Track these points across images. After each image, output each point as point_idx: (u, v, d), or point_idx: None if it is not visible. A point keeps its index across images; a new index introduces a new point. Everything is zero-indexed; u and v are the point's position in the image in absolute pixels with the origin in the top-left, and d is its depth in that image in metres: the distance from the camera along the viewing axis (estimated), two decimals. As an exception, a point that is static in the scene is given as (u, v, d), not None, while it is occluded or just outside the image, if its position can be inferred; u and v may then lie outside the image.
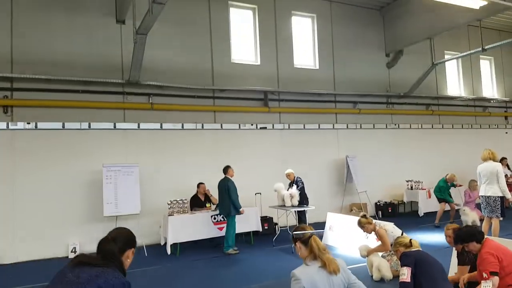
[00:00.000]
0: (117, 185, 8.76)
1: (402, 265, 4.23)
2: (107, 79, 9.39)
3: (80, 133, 9.29)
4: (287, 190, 9.16)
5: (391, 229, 6.54)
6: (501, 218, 7.65)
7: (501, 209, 7.47)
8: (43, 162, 8.91)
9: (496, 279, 4.01)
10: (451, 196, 10.76)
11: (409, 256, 4.29)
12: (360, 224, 6.66)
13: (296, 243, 3.43)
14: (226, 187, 8.45)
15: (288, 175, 9.54)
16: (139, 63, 8.76)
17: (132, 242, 2.76)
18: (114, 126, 9.60)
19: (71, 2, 9.37)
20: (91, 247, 8.98)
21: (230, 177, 8.63)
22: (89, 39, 9.49)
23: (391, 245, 6.35)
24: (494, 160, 7.59)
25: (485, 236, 4.46)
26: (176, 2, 10.06)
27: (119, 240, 2.69)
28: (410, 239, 4.60)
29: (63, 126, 9.14)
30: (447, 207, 10.64)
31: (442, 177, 10.87)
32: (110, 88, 9.57)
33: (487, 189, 7.58)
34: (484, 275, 4.05)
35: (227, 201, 8.43)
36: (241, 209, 8.49)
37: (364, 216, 6.75)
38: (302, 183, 9.25)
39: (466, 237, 4.40)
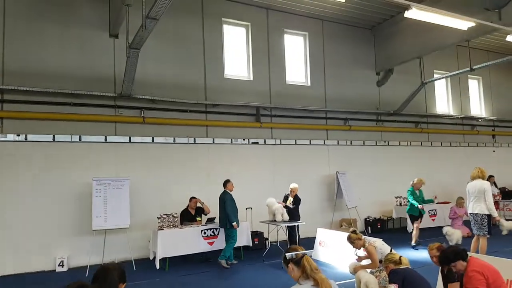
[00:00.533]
0: (107, 198, 8.71)
1: (390, 282, 4.31)
2: (99, 92, 9.41)
3: (70, 146, 9.26)
4: (284, 201, 9.20)
5: (380, 245, 6.57)
6: (488, 236, 7.72)
7: (488, 227, 7.54)
8: (33, 174, 8.85)
9: None
10: (422, 207, 9.62)
11: (397, 273, 4.37)
12: (350, 239, 6.68)
13: (289, 265, 3.41)
14: (224, 200, 8.60)
15: (291, 190, 9.47)
16: (131, 77, 8.81)
17: (125, 277, 2.88)
18: (105, 139, 9.59)
19: (64, 14, 9.44)
20: (79, 261, 8.95)
21: (229, 191, 8.77)
22: (82, 52, 9.54)
23: (380, 261, 6.40)
24: (483, 178, 7.68)
25: (469, 254, 4.48)
26: (170, 17, 10.18)
27: (116, 273, 2.82)
28: (400, 256, 4.67)
29: (54, 139, 9.11)
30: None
31: (409, 188, 9.91)
32: (101, 101, 9.59)
33: (474, 207, 7.66)
34: None
35: (224, 214, 8.58)
36: (233, 223, 8.51)
37: (354, 231, 6.78)
38: (299, 202, 9.30)
39: (453, 257, 4.38)
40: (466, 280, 4.20)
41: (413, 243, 9.68)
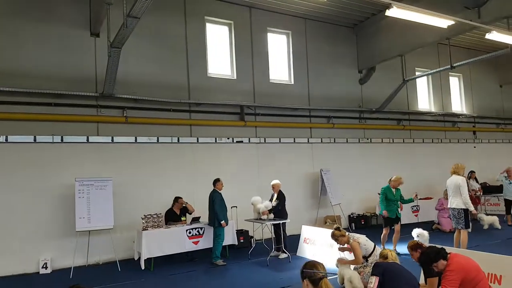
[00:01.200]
0: (90, 199, 8.65)
1: (372, 274, 4.43)
2: (80, 92, 9.29)
3: (52, 147, 9.12)
4: (270, 201, 9.22)
5: (364, 241, 6.65)
6: (469, 230, 7.91)
7: (465, 221, 7.76)
8: (14, 176, 8.70)
9: None
10: (400, 208, 9.05)
11: (378, 267, 4.47)
12: (334, 236, 6.75)
13: (304, 281, 3.33)
14: (212, 199, 8.67)
15: (272, 186, 9.49)
16: (113, 76, 8.73)
17: None
18: (87, 140, 9.48)
19: (44, 13, 9.27)
20: (63, 263, 8.85)
21: (218, 190, 8.81)
22: (62, 51, 9.39)
23: (364, 257, 6.49)
24: (458, 173, 7.89)
25: (450, 251, 4.52)
26: (152, 16, 10.10)
27: None
28: (388, 252, 4.99)
29: (35, 140, 8.97)
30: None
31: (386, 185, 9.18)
32: (83, 101, 9.47)
33: (452, 202, 7.96)
34: None
35: (213, 212, 8.63)
36: (222, 222, 8.59)
37: (337, 228, 6.85)
38: (284, 198, 9.29)
39: (434, 257, 4.40)
40: (443, 276, 4.28)
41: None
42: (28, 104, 8.91)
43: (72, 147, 9.32)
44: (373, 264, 4.65)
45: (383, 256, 4.91)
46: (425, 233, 8.49)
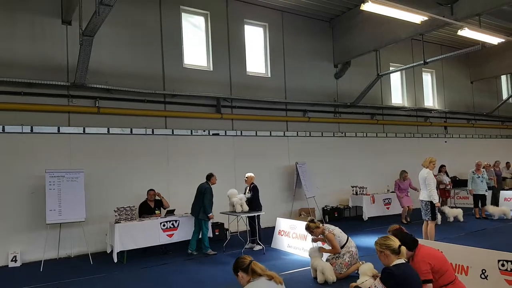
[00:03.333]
0: (61, 191, 8.46)
1: (381, 280, 3.96)
2: (51, 81, 9.02)
3: (21, 137, 8.86)
4: (244, 194, 9.22)
5: (338, 233, 6.76)
6: (438, 221, 8.14)
7: (431, 213, 7.99)
8: (-20, 167, 8.42)
9: (429, 286, 4.19)
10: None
11: (393, 277, 3.87)
12: (309, 228, 6.82)
13: (238, 274, 3.72)
14: (203, 190, 8.76)
15: (245, 179, 9.53)
16: (85, 65, 8.50)
17: None
18: (58, 130, 9.24)
19: (13, 0, 8.95)
20: (33, 256, 8.67)
21: (211, 184, 8.92)
22: (33, 39, 9.10)
23: (342, 247, 6.59)
24: (425, 166, 8.11)
25: (419, 243, 4.56)
26: (126, 4, 9.90)
27: None
28: (400, 245, 4.04)
29: (3, 130, 8.68)
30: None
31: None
32: (54, 90, 9.21)
33: (421, 194, 8.21)
34: None
35: (200, 204, 8.73)
36: (210, 214, 8.70)
37: (312, 220, 6.93)
38: (257, 191, 9.31)
39: (406, 244, 4.44)
40: (415, 269, 4.34)
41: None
42: (-5, 92, 8.61)
43: (42, 137, 9.06)
44: (384, 270, 3.98)
45: (393, 250, 3.99)
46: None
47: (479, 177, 11.95)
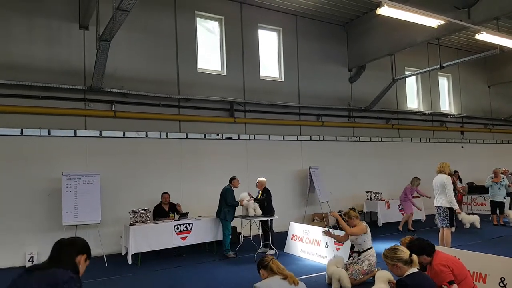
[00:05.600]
0: (77, 193, 8.57)
1: None
2: (68, 85, 9.18)
3: (39, 140, 9.02)
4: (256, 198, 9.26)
5: (368, 235, 6.67)
6: (453, 229, 7.99)
7: (450, 220, 7.82)
8: (1, 169, 8.58)
9: (455, 286, 4.16)
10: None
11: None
12: (348, 214, 6.82)
13: (260, 271, 4.07)
14: (224, 192, 9.02)
15: (257, 183, 9.55)
16: (102, 70, 8.64)
17: (83, 248, 2.76)
18: (75, 134, 9.39)
19: (31, 4, 9.13)
20: (48, 257, 8.66)
21: (232, 187, 9.08)
22: (51, 44, 9.28)
23: (358, 252, 6.54)
24: (443, 172, 7.94)
25: (436, 248, 4.53)
26: (142, 10, 10.03)
27: (70, 246, 2.71)
28: (411, 255, 3.97)
29: (22, 133, 8.85)
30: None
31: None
32: (71, 94, 9.37)
33: (437, 200, 7.99)
34: (444, 287, 4.19)
35: (222, 206, 8.98)
36: (240, 200, 8.97)
37: (353, 209, 7.31)
38: (269, 195, 9.33)
39: (418, 251, 4.35)
40: (434, 275, 4.28)
41: None
42: (15, 96, 8.79)
43: (59, 140, 9.22)
44: (398, 282, 3.92)
45: (405, 261, 3.91)
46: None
47: (496, 184, 11.74)
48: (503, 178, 11.90)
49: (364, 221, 7.01)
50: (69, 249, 2.65)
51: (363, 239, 6.57)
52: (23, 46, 9.00)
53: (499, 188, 11.72)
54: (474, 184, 14.83)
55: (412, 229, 11.36)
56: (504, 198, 11.79)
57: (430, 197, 10.62)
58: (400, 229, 11.34)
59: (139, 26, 10.23)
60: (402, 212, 11.91)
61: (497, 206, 11.74)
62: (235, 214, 9.32)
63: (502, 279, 4.97)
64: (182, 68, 10.87)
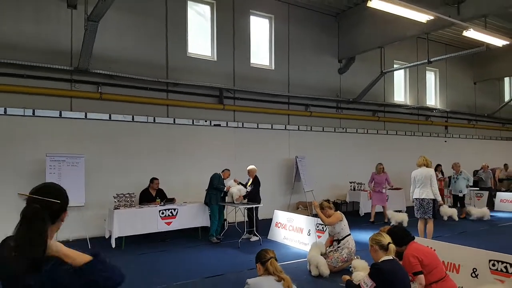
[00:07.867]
0: (61, 175, 8.47)
1: (370, 276, 3.99)
2: (54, 65, 9.02)
3: (23, 120, 8.88)
4: (245, 185, 9.32)
5: (345, 223, 6.91)
6: (432, 219, 8.22)
7: (432, 211, 8.07)
8: (-19, 148, 8.46)
9: (420, 277, 4.30)
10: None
11: (379, 273, 3.94)
12: (322, 206, 6.98)
13: (257, 264, 3.98)
14: (212, 177, 9.13)
15: (248, 171, 9.58)
16: (89, 51, 8.51)
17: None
18: (60, 115, 9.26)
19: (19, -18, 8.92)
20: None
21: (223, 175, 9.29)
22: (37, 22, 9.07)
23: (337, 241, 6.68)
24: (428, 166, 8.14)
25: (414, 239, 4.67)
26: (133, -9, 9.86)
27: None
28: (389, 243, 4.11)
29: (5, 112, 8.70)
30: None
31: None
32: (57, 74, 9.21)
33: (421, 192, 8.13)
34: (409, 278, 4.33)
35: (209, 191, 9.12)
36: (226, 187, 9.11)
37: (327, 200, 7.27)
38: (258, 184, 9.41)
39: (396, 239, 4.40)
40: (404, 264, 4.43)
41: None
42: (-1, 74, 8.62)
43: (44, 121, 9.09)
44: (374, 266, 4.07)
45: (382, 245, 4.08)
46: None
47: (453, 177, 12.26)
48: (460, 172, 12.30)
49: (338, 211, 7.19)
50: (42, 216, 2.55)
51: (340, 227, 6.79)
52: (9, 24, 8.78)
53: (455, 182, 12.26)
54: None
55: (372, 220, 11.34)
56: (460, 192, 12.23)
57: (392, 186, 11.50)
58: (371, 220, 11.36)
59: (128, 7, 10.05)
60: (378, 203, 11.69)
61: (457, 200, 12.25)
62: (221, 202, 9.38)
63: (474, 270, 5.17)
64: (171, 52, 10.75)
